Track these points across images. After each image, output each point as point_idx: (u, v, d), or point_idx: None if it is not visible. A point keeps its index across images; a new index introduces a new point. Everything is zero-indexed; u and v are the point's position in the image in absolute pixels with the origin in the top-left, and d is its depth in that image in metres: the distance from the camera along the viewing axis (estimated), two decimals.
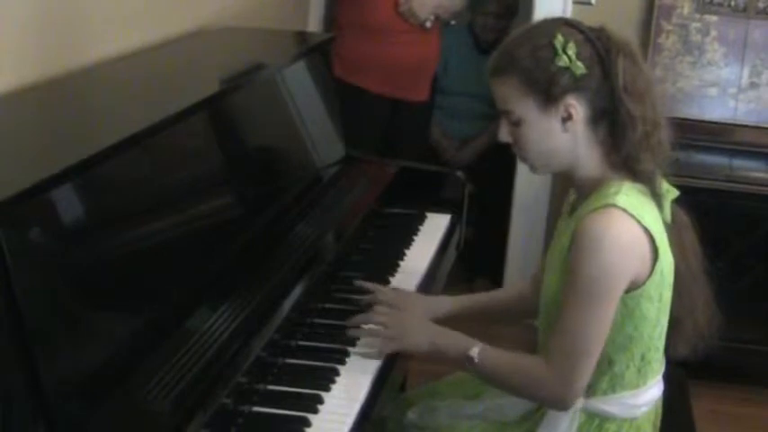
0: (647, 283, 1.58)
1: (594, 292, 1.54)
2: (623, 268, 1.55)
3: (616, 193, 1.57)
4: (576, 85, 1.58)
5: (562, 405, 1.63)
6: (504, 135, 1.66)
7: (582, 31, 1.61)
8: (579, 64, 1.57)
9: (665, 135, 1.64)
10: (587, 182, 1.65)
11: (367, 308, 1.81)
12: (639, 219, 1.56)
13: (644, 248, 1.57)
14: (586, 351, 1.56)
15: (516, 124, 1.63)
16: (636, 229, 1.56)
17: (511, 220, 3.55)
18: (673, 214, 1.66)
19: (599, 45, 1.60)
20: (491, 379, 1.69)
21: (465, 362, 1.65)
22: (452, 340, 1.70)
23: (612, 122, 1.61)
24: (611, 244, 1.53)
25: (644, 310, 1.60)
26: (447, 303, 1.92)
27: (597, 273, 1.53)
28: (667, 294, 1.63)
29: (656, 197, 1.63)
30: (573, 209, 1.73)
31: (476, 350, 1.65)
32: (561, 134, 1.61)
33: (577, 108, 1.59)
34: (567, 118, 1.60)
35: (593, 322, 1.55)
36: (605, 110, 1.60)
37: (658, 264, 1.58)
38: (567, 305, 1.57)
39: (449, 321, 1.84)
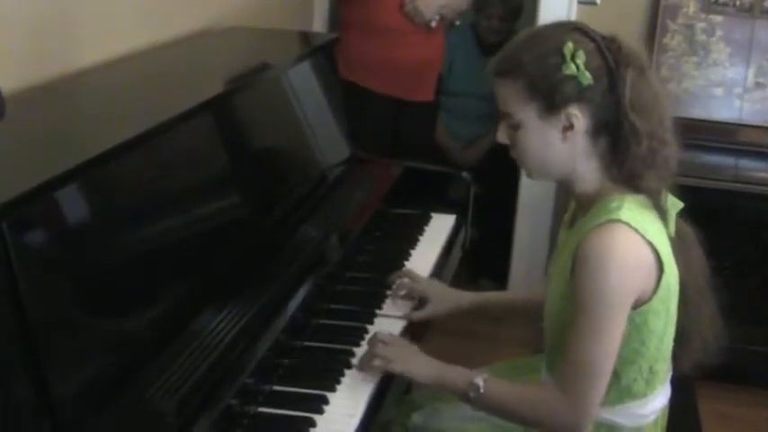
0: (654, 298, 1.55)
1: (602, 313, 1.51)
2: (630, 286, 1.52)
3: (618, 207, 1.54)
4: (581, 96, 1.54)
5: (576, 430, 1.59)
6: (503, 136, 1.63)
7: (593, 40, 1.57)
8: (587, 74, 1.53)
9: (672, 152, 1.60)
10: (585, 194, 1.62)
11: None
12: (644, 233, 1.52)
13: (649, 263, 1.54)
14: (598, 374, 1.53)
15: (515, 128, 1.59)
16: (640, 244, 1.52)
17: (516, 221, 3.55)
18: (678, 228, 1.63)
19: (609, 56, 1.55)
20: (497, 409, 1.63)
21: (470, 391, 1.60)
22: (457, 372, 1.65)
23: (615, 136, 1.57)
24: (617, 262, 1.50)
25: (651, 324, 1.57)
26: (469, 296, 1.96)
27: (604, 293, 1.50)
28: (674, 306, 1.60)
29: (661, 213, 1.60)
30: (573, 220, 1.71)
31: (481, 379, 1.60)
32: (560, 143, 1.57)
33: (580, 118, 1.55)
34: (568, 127, 1.56)
35: (603, 344, 1.52)
36: (608, 123, 1.56)
37: (664, 278, 1.55)
38: (575, 329, 1.53)
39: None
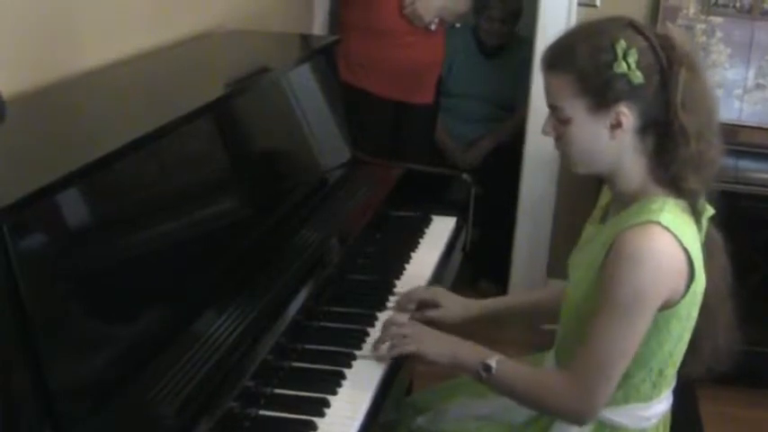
0: (681, 303, 1.55)
1: (629, 310, 1.51)
2: (660, 288, 1.52)
3: (660, 209, 1.53)
4: (631, 94, 1.53)
5: (581, 420, 1.61)
6: (547, 129, 1.62)
7: (647, 38, 1.55)
8: (638, 73, 1.52)
9: (716, 155, 1.59)
10: (627, 191, 1.61)
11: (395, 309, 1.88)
12: (680, 238, 1.52)
13: (682, 269, 1.53)
14: (612, 369, 1.53)
15: (563, 122, 1.58)
16: (676, 249, 1.52)
17: (516, 222, 3.55)
18: (707, 233, 1.63)
19: (662, 54, 1.54)
20: (508, 390, 1.65)
21: (482, 371, 1.62)
22: (472, 351, 1.67)
23: (664, 136, 1.56)
24: (652, 263, 1.50)
25: (671, 328, 1.57)
26: (477, 304, 1.95)
27: (634, 291, 1.50)
28: (695, 313, 1.60)
29: (697, 217, 1.59)
30: (605, 214, 1.70)
31: (494, 360, 1.62)
32: (608, 140, 1.56)
33: (628, 116, 1.54)
34: (617, 125, 1.55)
35: (623, 340, 1.52)
36: (657, 122, 1.55)
37: (693, 284, 1.55)
38: (597, 321, 1.53)
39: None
